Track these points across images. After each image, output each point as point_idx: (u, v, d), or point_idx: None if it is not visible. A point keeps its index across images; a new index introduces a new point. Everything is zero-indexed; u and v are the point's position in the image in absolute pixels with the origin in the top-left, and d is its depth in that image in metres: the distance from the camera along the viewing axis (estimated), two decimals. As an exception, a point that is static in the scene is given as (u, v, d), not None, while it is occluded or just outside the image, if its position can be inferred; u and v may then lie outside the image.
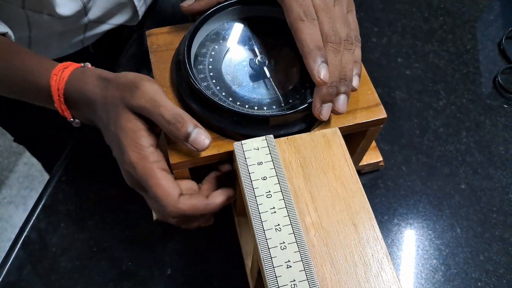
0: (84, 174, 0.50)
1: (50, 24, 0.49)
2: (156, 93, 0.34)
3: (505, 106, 0.58)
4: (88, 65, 0.39)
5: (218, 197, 0.37)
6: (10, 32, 0.44)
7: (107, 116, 0.36)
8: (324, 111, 0.35)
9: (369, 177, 0.52)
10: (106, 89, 0.36)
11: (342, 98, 0.36)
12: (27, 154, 1.45)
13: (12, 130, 0.74)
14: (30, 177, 1.42)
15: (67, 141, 0.53)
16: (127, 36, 0.64)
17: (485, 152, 0.54)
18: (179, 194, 0.35)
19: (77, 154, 0.51)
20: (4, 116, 0.68)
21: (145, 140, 0.35)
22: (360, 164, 0.49)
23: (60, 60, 0.39)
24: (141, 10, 0.58)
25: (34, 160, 1.44)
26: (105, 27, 0.57)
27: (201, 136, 0.34)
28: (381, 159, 0.51)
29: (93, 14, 0.53)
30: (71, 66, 0.38)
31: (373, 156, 0.50)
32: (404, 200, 0.51)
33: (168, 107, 0.34)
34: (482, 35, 0.65)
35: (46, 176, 1.45)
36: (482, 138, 0.56)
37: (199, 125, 0.35)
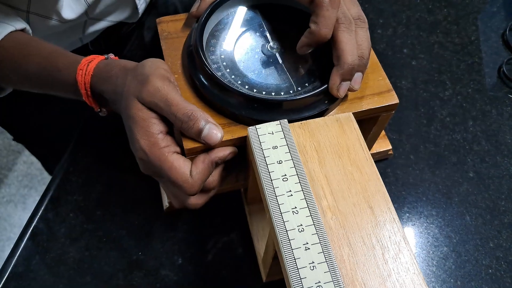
0: (91, 165, 0.49)
1: (51, 27, 0.49)
2: (168, 91, 0.34)
3: (510, 95, 0.58)
4: (111, 55, 0.40)
5: (219, 151, 0.37)
6: (28, 28, 0.44)
7: (125, 105, 0.36)
8: (342, 89, 0.36)
9: (378, 165, 0.51)
10: (126, 79, 0.36)
11: (358, 76, 0.36)
12: (27, 152, 1.44)
13: (11, 129, 0.73)
14: (29, 175, 1.40)
15: (67, 140, 0.52)
16: (127, 33, 0.64)
17: (492, 141, 0.55)
18: (190, 169, 0.35)
19: (84, 145, 0.51)
20: (3, 115, 0.67)
21: (155, 127, 0.35)
22: (370, 153, 0.49)
23: None
24: (141, 7, 0.57)
25: (33, 159, 1.43)
26: (104, 24, 0.56)
27: (212, 131, 0.35)
28: (390, 147, 0.50)
29: (94, 12, 0.52)
30: (96, 59, 0.38)
31: (382, 145, 0.50)
32: (413, 189, 0.51)
33: (180, 105, 0.34)
34: (486, 26, 0.65)
35: (46, 175, 1.45)
36: (488, 127, 0.56)
37: (210, 119, 0.35)
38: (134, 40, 0.61)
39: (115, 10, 0.55)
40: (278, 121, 0.35)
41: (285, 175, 0.32)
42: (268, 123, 0.35)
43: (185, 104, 0.34)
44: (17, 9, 0.44)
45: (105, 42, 0.62)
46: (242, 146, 0.38)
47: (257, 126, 0.35)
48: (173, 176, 0.34)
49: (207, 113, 0.37)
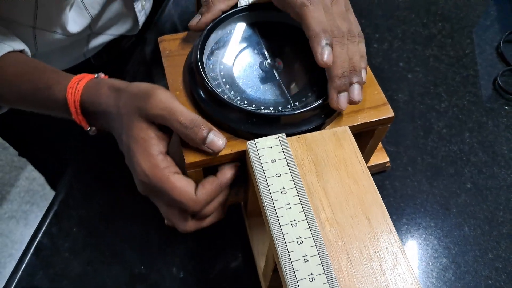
0: (94, 179, 0.50)
1: (56, 41, 0.50)
2: (171, 101, 0.35)
3: (506, 107, 0.59)
4: (102, 75, 0.40)
5: (227, 171, 0.38)
6: (27, 49, 0.45)
7: (120, 125, 0.37)
8: (342, 101, 0.37)
9: (376, 178, 0.53)
10: (119, 99, 0.37)
11: (356, 87, 0.37)
12: (29, 168, 1.45)
13: (16, 144, 0.74)
14: (31, 191, 1.41)
15: (71, 155, 0.53)
16: (127, 47, 0.65)
17: (489, 152, 0.55)
18: (194, 189, 0.36)
19: (86, 160, 0.52)
20: (8, 129, 0.69)
21: (155, 148, 0.36)
22: (368, 165, 0.50)
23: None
24: (141, 20, 0.59)
25: (35, 175, 1.44)
26: (106, 38, 0.58)
27: (216, 138, 0.36)
28: (387, 159, 0.51)
29: (96, 25, 0.54)
30: (85, 78, 0.39)
31: (380, 157, 0.51)
32: (411, 200, 0.52)
33: (184, 113, 0.35)
34: (480, 39, 0.67)
35: (48, 190, 1.46)
36: (485, 139, 0.57)
37: (213, 128, 0.36)
38: (136, 55, 0.63)
39: (117, 22, 0.56)
40: (276, 135, 0.36)
41: (284, 188, 0.33)
42: (266, 137, 0.36)
43: (189, 112, 0.35)
44: (24, 25, 0.46)
45: (107, 56, 0.63)
46: (242, 160, 0.38)
47: (256, 140, 0.35)
48: (176, 195, 0.35)
49: (208, 128, 0.38)
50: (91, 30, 0.54)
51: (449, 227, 0.50)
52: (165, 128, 0.36)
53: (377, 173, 0.53)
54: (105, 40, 0.58)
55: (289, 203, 0.32)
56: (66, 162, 0.53)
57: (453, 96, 0.60)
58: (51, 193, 1.45)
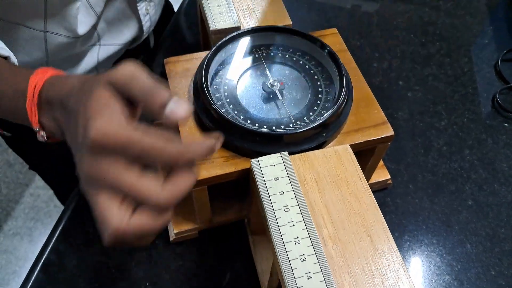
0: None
1: (67, 45, 0.51)
2: (137, 69, 0.30)
3: (505, 124, 0.60)
4: None
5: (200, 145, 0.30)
6: (12, 56, 0.42)
7: (79, 98, 0.31)
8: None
9: (377, 195, 0.53)
10: (86, 78, 0.33)
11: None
12: (33, 185, 1.46)
13: (27, 157, 0.75)
14: (36, 208, 1.42)
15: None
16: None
17: (489, 169, 0.56)
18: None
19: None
20: (19, 143, 0.70)
21: (118, 109, 0.29)
22: (369, 182, 0.51)
23: None
24: (146, 25, 0.60)
25: (40, 191, 1.45)
26: (114, 48, 0.59)
27: (177, 104, 0.29)
28: (389, 177, 0.52)
29: (101, 26, 0.55)
30: (59, 71, 0.36)
31: (381, 175, 0.52)
32: (413, 217, 0.52)
33: (145, 78, 0.30)
34: (478, 58, 0.68)
35: (52, 207, 1.47)
36: (485, 156, 0.57)
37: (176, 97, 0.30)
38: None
39: (122, 24, 0.57)
40: (279, 153, 0.37)
41: (287, 205, 0.34)
42: (269, 155, 0.37)
43: (151, 79, 0.30)
44: (34, 30, 0.46)
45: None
46: (245, 178, 0.39)
47: (259, 158, 0.36)
48: (157, 152, 0.28)
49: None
50: (97, 32, 0.55)
51: (451, 244, 0.51)
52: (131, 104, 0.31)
53: (378, 190, 0.54)
54: (113, 50, 0.59)
55: (292, 221, 0.33)
56: (75, 178, 0.53)
57: (453, 114, 0.61)
58: (55, 210, 1.45)
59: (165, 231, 0.48)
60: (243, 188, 0.41)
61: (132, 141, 0.28)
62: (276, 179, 0.35)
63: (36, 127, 0.35)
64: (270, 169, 0.36)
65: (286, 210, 0.34)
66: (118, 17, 0.56)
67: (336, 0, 0.76)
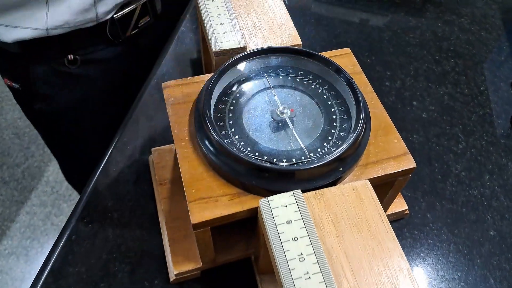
0: (94, 232, 0.47)
1: None
2: None
3: (526, 147, 0.57)
4: None
5: None
6: None
7: None
8: None
9: (394, 225, 0.49)
10: None
11: None
12: (29, 203, 1.42)
13: (32, 115, 0.73)
14: (32, 226, 1.38)
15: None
16: (144, 27, 0.65)
17: (511, 196, 0.52)
18: None
19: (89, 211, 0.49)
20: (28, 96, 0.67)
21: None
22: (385, 214, 0.47)
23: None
24: None
25: (36, 209, 1.41)
26: None
27: None
28: (406, 207, 0.48)
29: None
30: None
31: (398, 205, 0.48)
32: (432, 250, 0.48)
33: None
34: (495, 75, 0.65)
35: (49, 226, 1.42)
36: (506, 181, 0.54)
37: None
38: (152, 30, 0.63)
39: None
40: (292, 192, 0.33)
41: (302, 254, 0.30)
42: (280, 194, 0.33)
43: None
44: None
45: (122, 31, 0.63)
46: (254, 217, 0.36)
47: (269, 198, 0.33)
48: None
49: (217, 182, 0.35)
50: None
51: (474, 280, 0.47)
52: None
53: (394, 220, 0.50)
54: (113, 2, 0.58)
55: (308, 272, 0.29)
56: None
57: (470, 137, 0.57)
58: (52, 228, 1.41)
59: (164, 269, 0.45)
60: (249, 222, 0.37)
61: None
62: (289, 222, 0.31)
63: None
64: (281, 211, 0.32)
65: (301, 259, 0.30)
66: None
67: (344, 14, 0.73)
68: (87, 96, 0.67)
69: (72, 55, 0.61)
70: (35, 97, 0.65)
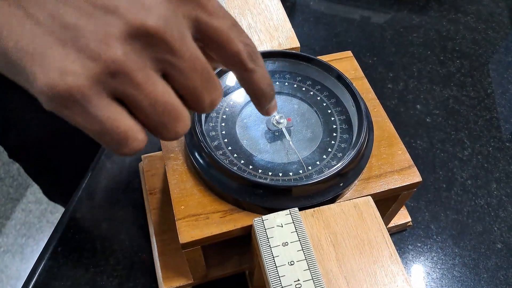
0: (81, 244, 0.45)
1: None
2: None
3: (535, 153, 0.54)
4: None
5: None
6: None
7: None
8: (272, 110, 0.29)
9: (396, 237, 0.47)
10: None
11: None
12: (25, 200, 1.40)
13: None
14: (28, 224, 1.36)
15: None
16: None
17: (520, 206, 0.50)
18: None
19: (74, 221, 0.47)
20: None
21: None
22: (387, 226, 0.45)
23: None
24: None
25: (32, 206, 1.39)
26: None
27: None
28: (409, 219, 0.46)
29: None
30: None
31: (401, 217, 0.45)
32: (436, 264, 0.46)
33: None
34: (502, 77, 0.62)
35: (45, 223, 1.40)
36: (514, 190, 0.51)
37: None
38: None
39: None
40: (288, 210, 0.31)
41: (299, 280, 0.28)
42: (276, 213, 0.31)
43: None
44: None
45: None
46: (249, 235, 0.33)
47: (264, 217, 0.30)
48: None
49: (207, 198, 0.33)
50: None
51: (480, 295, 0.45)
52: None
53: (396, 232, 0.48)
54: None
55: (304, 301, 0.27)
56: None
57: (477, 142, 0.55)
58: (47, 226, 1.39)
59: (154, 284, 0.42)
60: (243, 239, 0.35)
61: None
62: (285, 244, 0.29)
63: None
64: (277, 231, 0.30)
65: (297, 286, 0.27)
66: None
67: (344, 11, 0.70)
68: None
69: None
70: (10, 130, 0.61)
